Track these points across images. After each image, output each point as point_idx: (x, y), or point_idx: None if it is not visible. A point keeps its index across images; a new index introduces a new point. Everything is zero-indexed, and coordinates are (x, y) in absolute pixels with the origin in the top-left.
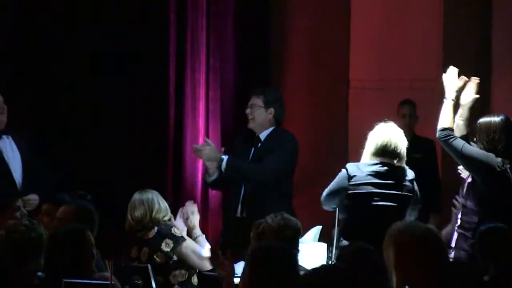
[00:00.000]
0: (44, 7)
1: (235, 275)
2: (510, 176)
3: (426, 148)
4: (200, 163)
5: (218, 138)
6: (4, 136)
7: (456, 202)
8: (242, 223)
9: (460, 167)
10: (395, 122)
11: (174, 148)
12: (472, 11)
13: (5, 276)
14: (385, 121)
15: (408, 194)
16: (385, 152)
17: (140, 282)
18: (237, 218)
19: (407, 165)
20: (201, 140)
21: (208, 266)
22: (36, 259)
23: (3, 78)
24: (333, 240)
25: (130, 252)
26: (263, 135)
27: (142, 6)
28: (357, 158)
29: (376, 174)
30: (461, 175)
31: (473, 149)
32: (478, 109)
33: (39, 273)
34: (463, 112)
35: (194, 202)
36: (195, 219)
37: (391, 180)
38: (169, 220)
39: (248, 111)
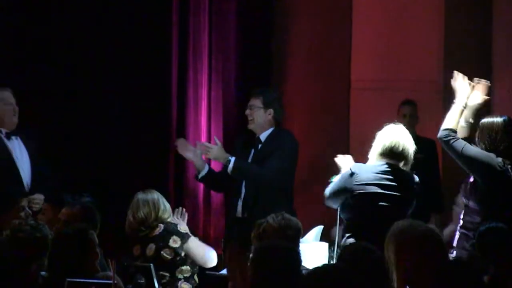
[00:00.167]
0: (44, 7)
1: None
2: (511, 176)
3: (427, 148)
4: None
5: (220, 138)
6: (13, 137)
7: (458, 201)
8: (243, 223)
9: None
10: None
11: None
12: (473, 11)
13: (10, 275)
14: (394, 123)
15: (412, 196)
16: (392, 154)
17: (143, 281)
18: (238, 218)
19: None
20: (203, 140)
21: (211, 263)
22: (40, 259)
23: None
24: (335, 239)
25: (132, 251)
26: (263, 136)
27: (145, 7)
28: (358, 159)
29: (381, 176)
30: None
31: (474, 149)
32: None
33: (43, 273)
34: (468, 113)
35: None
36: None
37: (396, 182)
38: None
39: (247, 112)
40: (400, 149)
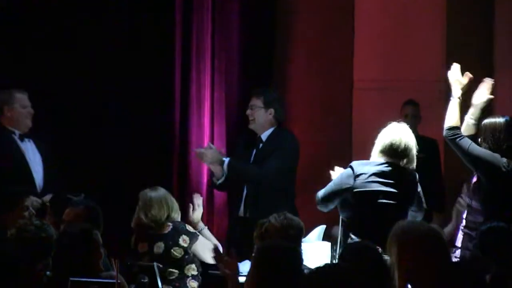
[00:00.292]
0: (45, 8)
1: (240, 274)
2: None
3: (429, 147)
4: (205, 164)
5: (223, 139)
6: (26, 139)
7: (461, 201)
8: (245, 223)
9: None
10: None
11: (180, 149)
12: (475, 10)
13: (16, 274)
14: (398, 121)
15: (412, 195)
16: (392, 152)
17: (146, 280)
18: (240, 218)
19: None
20: (206, 141)
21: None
22: (45, 259)
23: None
24: (337, 238)
25: (137, 247)
26: (264, 136)
27: (148, 7)
28: (361, 158)
29: (381, 173)
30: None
31: (479, 148)
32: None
33: (47, 272)
34: (475, 111)
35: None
36: (200, 212)
37: (395, 180)
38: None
39: (248, 112)
40: (400, 147)
